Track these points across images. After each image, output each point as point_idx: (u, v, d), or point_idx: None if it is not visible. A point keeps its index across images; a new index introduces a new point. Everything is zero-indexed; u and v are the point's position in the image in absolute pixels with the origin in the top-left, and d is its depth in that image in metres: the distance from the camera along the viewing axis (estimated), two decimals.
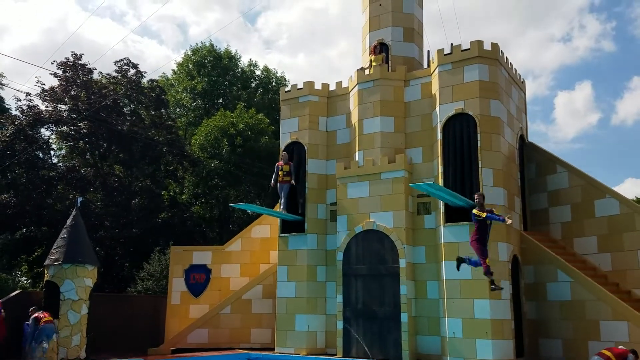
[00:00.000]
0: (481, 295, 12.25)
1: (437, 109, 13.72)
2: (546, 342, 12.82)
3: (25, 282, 32.93)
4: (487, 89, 13.28)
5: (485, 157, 12.91)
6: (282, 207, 15.35)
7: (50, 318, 13.51)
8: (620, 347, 9.80)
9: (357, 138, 14.84)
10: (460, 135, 13.28)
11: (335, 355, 13.88)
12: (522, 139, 15.18)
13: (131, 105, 27.41)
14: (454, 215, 12.96)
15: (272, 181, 15.45)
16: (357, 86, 15.04)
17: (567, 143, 66.07)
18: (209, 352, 15.03)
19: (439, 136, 13.47)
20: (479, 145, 12.95)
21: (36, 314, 13.47)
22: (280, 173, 15.28)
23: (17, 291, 15.62)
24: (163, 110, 27.98)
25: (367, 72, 15.07)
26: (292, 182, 15.28)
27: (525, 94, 16.01)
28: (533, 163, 15.13)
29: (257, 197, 29.65)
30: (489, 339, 11.99)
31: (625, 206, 13.40)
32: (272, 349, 15.02)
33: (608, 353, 9.44)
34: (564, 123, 69.26)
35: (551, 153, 15.11)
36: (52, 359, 13.32)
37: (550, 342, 12.75)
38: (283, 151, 15.81)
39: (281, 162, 15.39)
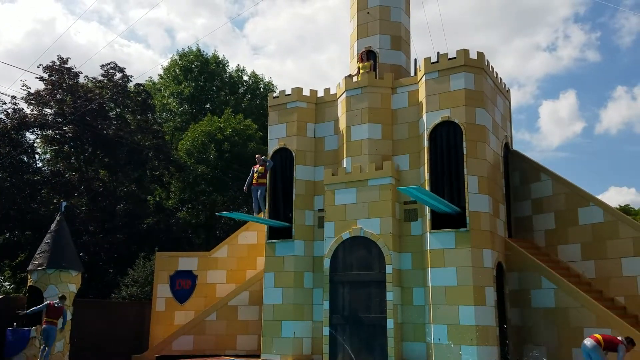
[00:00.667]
0: (466, 301, 12.34)
1: (424, 116, 13.84)
2: (530, 348, 12.92)
3: (8, 287, 32.43)
4: (473, 97, 13.43)
5: (471, 165, 13.04)
6: (255, 210, 15.49)
7: (54, 321, 12.89)
8: (619, 337, 9.98)
9: (344, 145, 14.90)
10: (447, 142, 13.41)
11: None
12: (507, 147, 15.35)
13: (117, 110, 27.28)
14: (440, 222, 13.05)
15: (245, 186, 15.63)
16: (345, 93, 15.12)
17: (551, 151, 66.96)
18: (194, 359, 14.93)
19: (426, 143, 13.59)
20: (464, 152, 13.08)
21: (50, 302, 12.97)
22: (255, 175, 15.42)
23: (0, 296, 15.39)
24: (149, 114, 27.86)
25: (355, 79, 15.17)
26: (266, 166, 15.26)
27: (510, 103, 16.21)
28: (518, 171, 15.30)
29: (244, 203, 29.56)
30: (474, 345, 12.07)
31: (609, 214, 13.59)
32: (258, 356, 14.96)
33: (599, 336, 9.84)
34: (548, 132, 70.21)
35: (535, 161, 15.30)
36: None
37: (534, 348, 12.84)
38: (257, 154, 16.14)
39: (257, 165, 15.53)
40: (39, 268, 14.13)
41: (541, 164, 15.09)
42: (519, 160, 15.38)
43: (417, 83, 14.44)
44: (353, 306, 13.74)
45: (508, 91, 16.07)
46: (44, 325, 12.81)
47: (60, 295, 13.44)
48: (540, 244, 14.47)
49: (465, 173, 12.96)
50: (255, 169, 15.51)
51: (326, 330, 13.90)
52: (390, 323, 13.12)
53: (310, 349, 14.59)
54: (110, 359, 14.48)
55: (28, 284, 14.54)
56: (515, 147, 16.01)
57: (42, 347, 12.86)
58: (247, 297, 16.23)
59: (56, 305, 13.02)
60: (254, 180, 15.40)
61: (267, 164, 15.28)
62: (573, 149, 65.20)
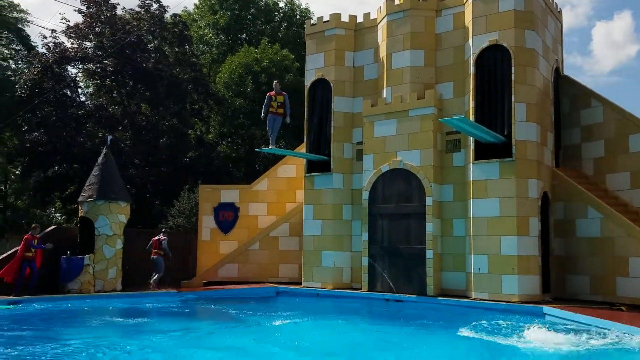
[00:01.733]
0: (509, 232, 12.19)
1: (470, 40, 13.17)
2: (573, 278, 12.83)
3: (59, 218, 34.08)
4: (523, 19, 12.64)
5: (519, 91, 12.47)
6: (271, 141, 14.66)
7: (159, 252, 15.35)
8: None
9: (385, 73, 14.44)
10: (494, 68, 12.80)
11: (361, 289, 14.18)
12: (558, 72, 14.58)
13: (155, 42, 27.16)
14: (483, 152, 12.72)
15: (263, 114, 14.64)
16: (385, 17, 14.47)
17: (603, 76, 63.60)
18: (239, 285, 15.52)
19: (472, 70, 13.00)
20: (513, 78, 12.48)
21: (154, 238, 15.62)
22: (273, 104, 14.38)
23: (52, 227, 16.13)
24: (187, 46, 27.68)
25: (396, 2, 14.43)
26: (287, 117, 14.49)
27: (561, 25, 15.22)
28: (567, 97, 14.59)
29: (282, 137, 29.57)
30: (515, 274, 12.03)
31: None
32: (299, 284, 15.42)
33: None
34: (601, 55, 66.40)
35: (586, 86, 14.53)
36: (89, 291, 13.92)
37: (577, 278, 12.74)
38: (276, 81, 15.45)
39: (273, 93, 14.51)
40: (89, 200, 14.63)
41: (592, 89, 14.34)
42: (569, 85, 14.63)
43: (464, 4, 13.65)
44: (392, 237, 13.81)
45: (560, 12, 15.05)
46: (152, 257, 15.35)
47: (164, 230, 16.26)
48: (589, 172, 14.00)
49: (512, 100, 12.43)
50: (273, 97, 14.42)
51: (365, 260, 14.10)
52: (429, 254, 13.17)
53: (350, 277, 14.90)
54: (160, 285, 15.18)
55: (79, 215, 15.15)
56: (566, 71, 15.22)
57: (153, 274, 15.27)
58: (288, 229, 16.53)
59: (157, 238, 15.52)
60: (274, 110, 14.40)
61: (286, 107, 14.38)
62: (626, 73, 61.67)
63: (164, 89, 25.23)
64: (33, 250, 13.33)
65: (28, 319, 10.82)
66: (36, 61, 23.84)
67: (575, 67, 62.85)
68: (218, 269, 16.52)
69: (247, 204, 17.45)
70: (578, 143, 14.28)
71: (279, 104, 14.45)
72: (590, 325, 9.67)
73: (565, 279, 12.98)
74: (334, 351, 8.29)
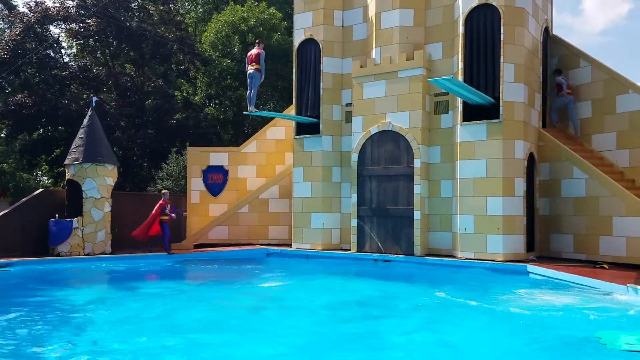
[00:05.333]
0: (494, 192, 12.36)
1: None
2: (557, 237, 13.09)
3: (46, 181, 33.82)
4: None
5: (508, 52, 12.40)
6: (251, 102, 14.61)
7: None
8: None
9: (374, 33, 14.25)
10: (484, 28, 12.67)
11: (350, 250, 14.39)
12: (547, 32, 14.48)
13: (138, 0, 26.49)
14: (471, 113, 12.73)
15: (263, 76, 14.74)
16: None
17: (594, 36, 63.29)
18: (230, 247, 15.66)
19: (461, 30, 12.87)
20: (502, 38, 12.39)
21: None
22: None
23: (40, 190, 16.04)
24: (171, 4, 27.02)
25: None
26: (261, 76, 14.52)
27: None
28: (556, 57, 14.54)
29: (270, 99, 29.30)
30: (500, 234, 12.26)
31: None
32: (289, 245, 15.59)
33: None
34: (592, 14, 65.90)
35: (575, 47, 14.45)
36: (79, 254, 13.99)
37: (561, 237, 13.00)
38: (258, 39, 15.32)
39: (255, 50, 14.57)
40: (75, 162, 14.52)
41: (581, 50, 14.27)
42: (558, 45, 14.55)
43: None
44: (380, 199, 13.94)
45: None
46: None
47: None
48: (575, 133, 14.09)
49: (501, 61, 12.37)
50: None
51: (354, 222, 14.26)
52: (417, 214, 13.34)
53: (339, 238, 15.09)
54: (149, 247, 15.27)
55: (66, 178, 15.05)
56: (556, 31, 15.16)
57: None
58: (277, 191, 16.59)
59: None
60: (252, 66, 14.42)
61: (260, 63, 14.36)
62: (617, 33, 61.42)
63: (148, 49, 24.76)
64: (167, 214, 14.81)
65: (22, 280, 10.89)
66: (17, 21, 23.21)
67: (566, 27, 62.45)
68: (208, 231, 16.63)
69: (236, 166, 17.43)
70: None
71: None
72: (573, 282, 9.94)
73: (549, 238, 13.25)
74: (323, 307, 8.47)
